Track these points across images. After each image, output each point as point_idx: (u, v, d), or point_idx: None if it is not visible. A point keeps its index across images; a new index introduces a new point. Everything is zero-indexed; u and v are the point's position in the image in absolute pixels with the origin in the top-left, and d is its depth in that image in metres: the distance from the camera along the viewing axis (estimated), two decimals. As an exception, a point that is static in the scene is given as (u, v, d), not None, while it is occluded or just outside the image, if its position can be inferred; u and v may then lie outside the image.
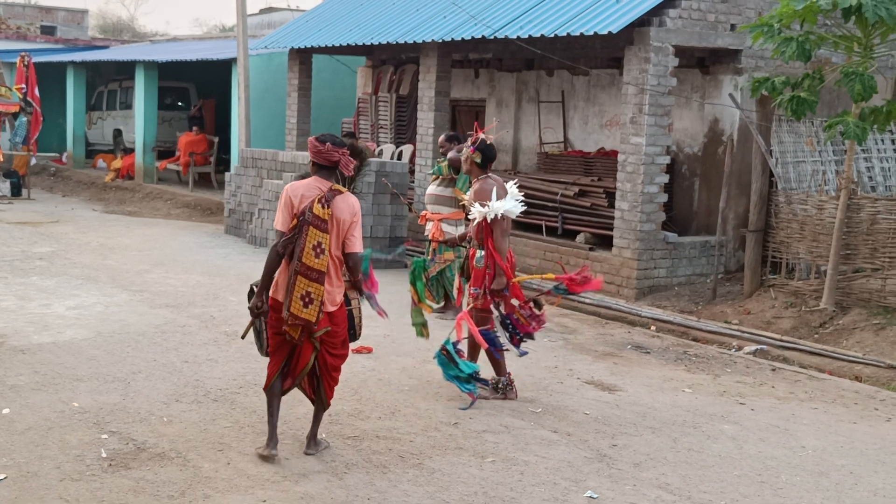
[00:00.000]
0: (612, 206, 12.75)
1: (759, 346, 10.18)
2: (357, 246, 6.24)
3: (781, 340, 10.29)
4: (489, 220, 7.61)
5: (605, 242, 12.88)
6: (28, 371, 7.97)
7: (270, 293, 6.24)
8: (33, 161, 23.29)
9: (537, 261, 13.44)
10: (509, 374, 7.94)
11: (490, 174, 7.91)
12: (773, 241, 12.10)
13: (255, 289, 6.36)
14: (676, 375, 9.04)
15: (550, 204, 13.70)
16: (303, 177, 6.62)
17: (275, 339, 6.29)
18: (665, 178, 12.36)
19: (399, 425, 7.11)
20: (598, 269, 12.63)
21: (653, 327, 11.02)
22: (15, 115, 22.83)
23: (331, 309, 6.23)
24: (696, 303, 12.04)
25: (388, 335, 9.76)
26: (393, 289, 12.31)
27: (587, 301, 11.87)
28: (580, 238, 13.27)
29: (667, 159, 12.41)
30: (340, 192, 6.18)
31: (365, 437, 6.82)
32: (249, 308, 6.38)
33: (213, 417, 7.04)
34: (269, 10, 30.79)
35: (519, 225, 14.11)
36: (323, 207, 6.03)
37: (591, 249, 12.92)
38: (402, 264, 14.04)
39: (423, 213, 10.92)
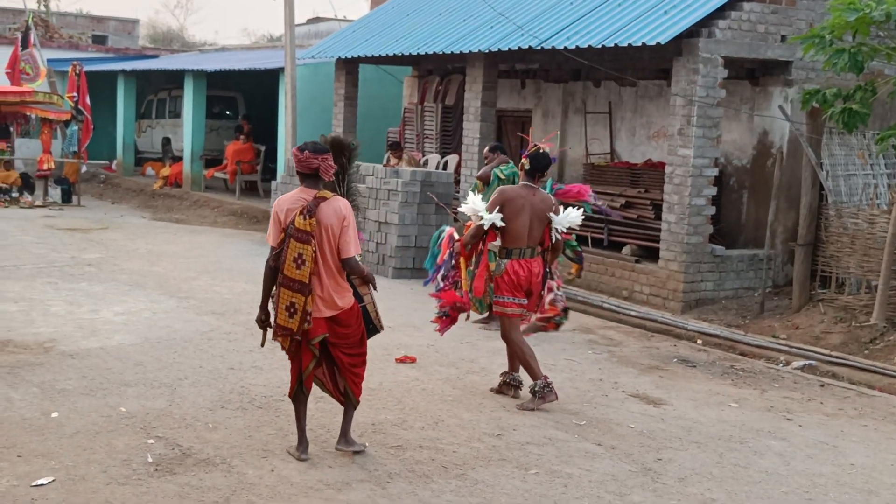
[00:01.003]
0: (658, 218, 12.66)
1: (807, 362, 10.04)
2: (351, 250, 6.26)
3: (830, 356, 10.14)
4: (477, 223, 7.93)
5: (652, 255, 12.78)
6: (76, 375, 8.05)
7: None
8: (84, 168, 23.59)
9: (583, 272, 13.35)
10: (545, 377, 7.92)
11: (532, 185, 7.96)
12: (823, 255, 11.94)
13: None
14: (723, 390, 8.94)
15: (596, 215, 13.60)
16: None
17: (290, 347, 6.39)
18: (713, 191, 12.25)
19: (442, 435, 7.09)
20: (643, 281, 12.57)
21: (699, 341, 10.90)
22: (67, 124, 23.15)
23: (329, 313, 6.28)
24: (744, 317, 11.90)
25: (431, 345, 9.75)
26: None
27: (633, 314, 11.79)
28: (626, 250, 13.19)
29: (715, 171, 12.30)
30: (325, 199, 6.22)
31: (408, 446, 6.81)
32: (255, 321, 6.53)
33: (257, 424, 7.07)
34: (317, 20, 31.03)
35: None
36: (305, 219, 6.09)
37: (636, 262, 12.83)
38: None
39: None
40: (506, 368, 8.27)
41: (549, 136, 8.53)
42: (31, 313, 10.32)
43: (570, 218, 8.07)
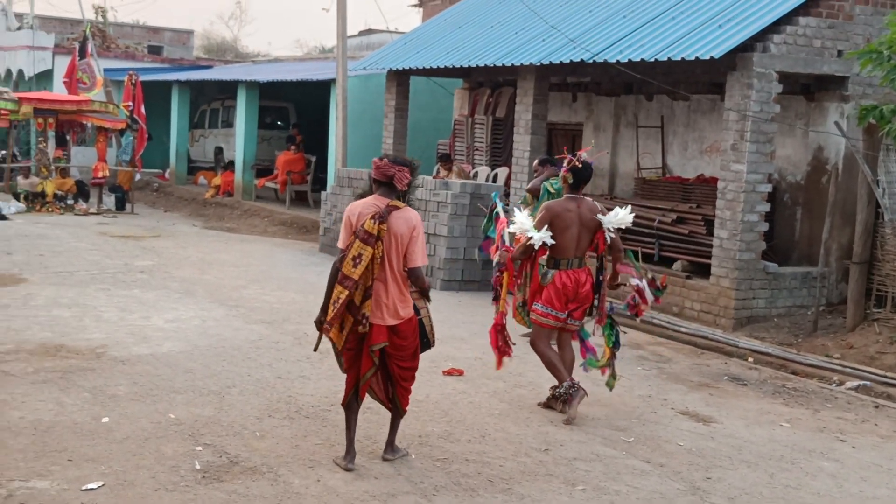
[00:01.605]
0: (710, 233, 12.53)
1: (861, 382, 9.86)
2: (418, 260, 6.40)
3: (885, 376, 9.95)
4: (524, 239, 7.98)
5: (703, 271, 12.65)
6: (127, 381, 8.13)
7: None
8: (137, 176, 23.91)
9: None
10: (571, 378, 7.90)
11: (577, 196, 7.99)
12: (879, 273, 11.75)
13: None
14: (774, 409, 8.81)
15: (647, 230, 13.52)
16: (361, 196, 6.84)
17: (348, 356, 6.45)
18: (766, 207, 12.10)
19: (489, 449, 7.06)
20: (694, 297, 12.43)
21: (750, 359, 10.76)
22: (122, 132, 23.47)
23: (392, 322, 6.35)
24: (796, 335, 11.73)
25: (479, 357, 9.72)
26: (486, 311, 12.28)
27: (682, 330, 11.67)
28: (677, 266, 13.07)
29: (768, 187, 12.16)
30: (398, 208, 6.34)
31: (454, 459, 6.78)
32: (314, 322, 6.58)
33: (304, 434, 7.08)
34: (369, 31, 31.22)
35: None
36: (374, 223, 6.20)
37: (687, 277, 12.70)
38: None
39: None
40: (555, 382, 8.22)
41: (585, 149, 8.50)
42: (83, 319, 10.44)
43: (619, 217, 8.14)
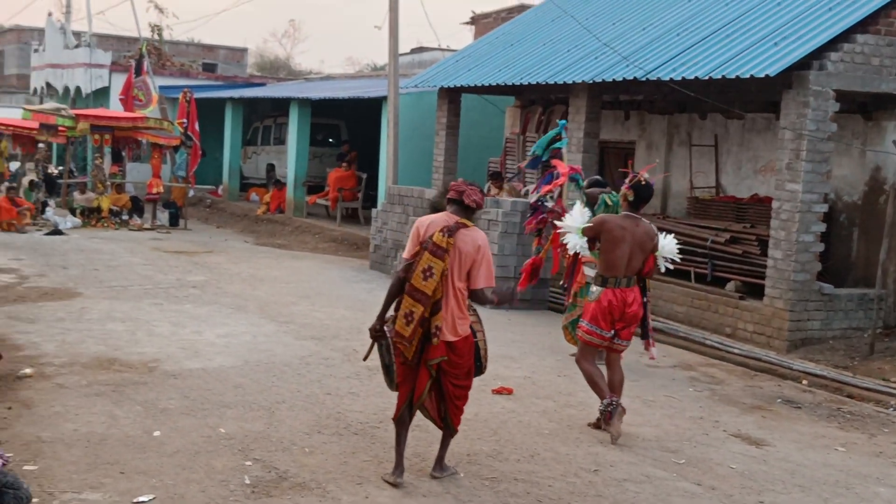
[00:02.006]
0: (764, 254, 12.37)
1: (919, 406, 9.66)
2: (481, 282, 6.41)
3: (944, 401, 9.74)
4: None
5: (756, 291, 12.48)
6: (178, 395, 8.18)
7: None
8: (191, 193, 24.17)
9: (684, 308, 13.14)
10: (611, 395, 7.84)
11: (635, 215, 7.95)
12: (937, 296, 11.51)
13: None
14: (829, 433, 8.65)
15: (700, 250, 13.39)
16: (433, 211, 6.88)
17: (402, 369, 6.45)
18: (822, 227, 11.92)
19: (538, 469, 7.00)
20: (747, 318, 12.27)
21: (804, 381, 10.58)
22: (176, 149, 23.76)
23: (451, 339, 6.36)
24: (852, 358, 11.52)
25: (528, 377, 9.67)
26: (536, 330, 12.25)
27: (735, 351, 11.52)
28: (730, 286, 12.91)
29: (824, 207, 11.98)
30: (466, 226, 6.38)
31: (503, 478, 6.74)
32: (369, 330, 6.60)
33: (353, 450, 7.07)
34: (421, 49, 31.35)
35: (666, 271, 13.81)
36: (443, 236, 6.25)
37: (741, 298, 12.55)
38: (545, 305, 13.94)
39: (569, 255, 10.84)
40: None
41: (649, 167, 8.46)
42: (136, 333, 10.55)
43: (670, 247, 8.15)
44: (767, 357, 11.30)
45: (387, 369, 6.63)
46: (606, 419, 7.78)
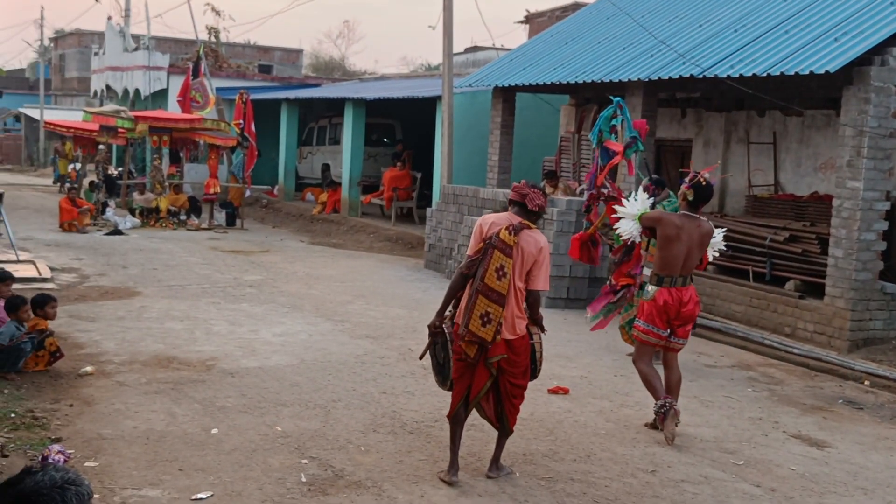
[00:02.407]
0: (824, 252, 12.17)
1: None
2: (540, 284, 6.44)
3: None
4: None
5: (816, 291, 12.29)
6: (236, 394, 8.25)
7: (455, 319, 6.42)
8: (247, 193, 24.39)
9: (742, 307, 12.98)
10: (666, 396, 7.76)
11: (694, 214, 7.88)
12: None
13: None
14: (892, 434, 8.49)
15: (758, 249, 13.22)
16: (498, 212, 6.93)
17: (458, 366, 6.45)
18: (884, 225, 11.71)
19: (594, 469, 6.96)
20: (807, 318, 12.08)
21: (867, 382, 10.40)
22: (233, 150, 23.99)
23: (510, 337, 6.36)
24: (915, 358, 11.30)
25: (584, 377, 9.62)
26: (592, 331, 12.16)
27: (795, 351, 11.36)
28: (789, 285, 12.72)
29: (886, 205, 11.75)
30: (530, 227, 6.41)
31: (559, 478, 6.70)
32: (427, 326, 6.63)
33: (408, 449, 7.08)
34: (475, 48, 31.33)
35: (724, 269, 13.69)
36: (510, 234, 6.27)
37: (800, 297, 12.36)
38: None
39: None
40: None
41: (710, 168, 8.37)
42: (194, 332, 10.67)
43: (717, 239, 8.16)
44: (828, 357, 11.13)
45: (440, 367, 6.63)
46: (660, 420, 7.72)
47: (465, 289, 6.40)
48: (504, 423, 6.58)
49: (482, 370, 6.38)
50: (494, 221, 6.41)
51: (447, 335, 6.48)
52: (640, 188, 9.45)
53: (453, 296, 6.48)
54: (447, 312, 6.55)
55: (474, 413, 6.70)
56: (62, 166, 26.06)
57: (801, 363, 11.10)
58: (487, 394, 6.51)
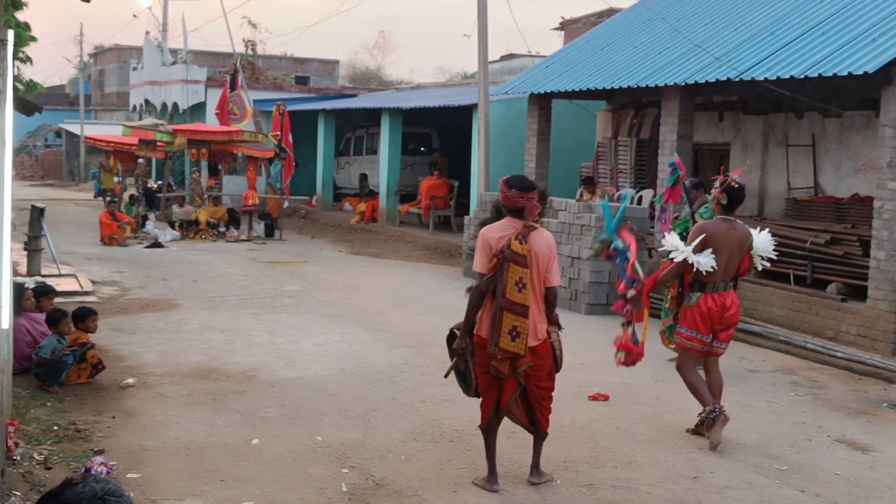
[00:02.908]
0: (866, 255, 12.02)
1: None
2: (556, 280, 6.44)
3: None
4: (672, 259, 7.73)
5: (859, 293, 12.14)
6: (276, 404, 8.29)
7: (475, 332, 6.40)
8: (286, 204, 24.54)
9: (784, 311, 12.85)
10: (714, 401, 7.69)
11: (731, 219, 7.81)
12: None
13: (457, 332, 6.65)
14: (939, 438, 8.36)
15: (799, 252, 13.08)
16: (484, 222, 6.84)
17: (484, 378, 6.44)
18: (926, 226, 11.55)
19: (636, 476, 6.91)
20: (850, 321, 11.93)
21: (912, 385, 10.25)
22: (270, 161, 24.15)
23: (533, 343, 6.34)
24: (962, 360, 11.12)
25: (625, 383, 9.56)
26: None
27: (838, 355, 11.22)
28: (831, 288, 12.58)
29: (928, 206, 11.60)
30: (535, 228, 6.35)
31: (600, 485, 6.66)
32: (454, 349, 6.62)
33: (448, 458, 7.08)
34: (510, 56, 31.31)
35: (765, 273, 13.52)
36: (520, 243, 6.21)
37: (842, 300, 12.21)
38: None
39: (664, 261, 10.70)
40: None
41: (741, 169, 8.26)
42: (234, 342, 10.73)
43: (766, 243, 7.97)
44: (872, 360, 10.98)
45: (462, 376, 6.64)
46: (708, 426, 7.65)
47: (485, 305, 6.36)
48: (538, 427, 6.58)
49: (511, 380, 6.37)
50: (500, 235, 6.30)
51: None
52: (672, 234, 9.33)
53: (475, 314, 6.43)
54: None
55: (511, 421, 6.68)
56: (107, 180, 26.35)
57: (845, 367, 10.97)
58: (517, 401, 6.50)
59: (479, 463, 6.89)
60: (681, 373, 7.97)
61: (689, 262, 7.64)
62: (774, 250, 8.16)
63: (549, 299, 6.45)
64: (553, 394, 6.66)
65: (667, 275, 7.84)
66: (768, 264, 8.17)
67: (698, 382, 7.84)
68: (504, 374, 6.30)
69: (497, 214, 6.73)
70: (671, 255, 7.71)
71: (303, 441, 7.31)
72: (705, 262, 7.63)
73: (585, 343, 11.37)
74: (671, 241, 7.85)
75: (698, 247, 7.65)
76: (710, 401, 7.72)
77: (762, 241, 8.01)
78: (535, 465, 6.62)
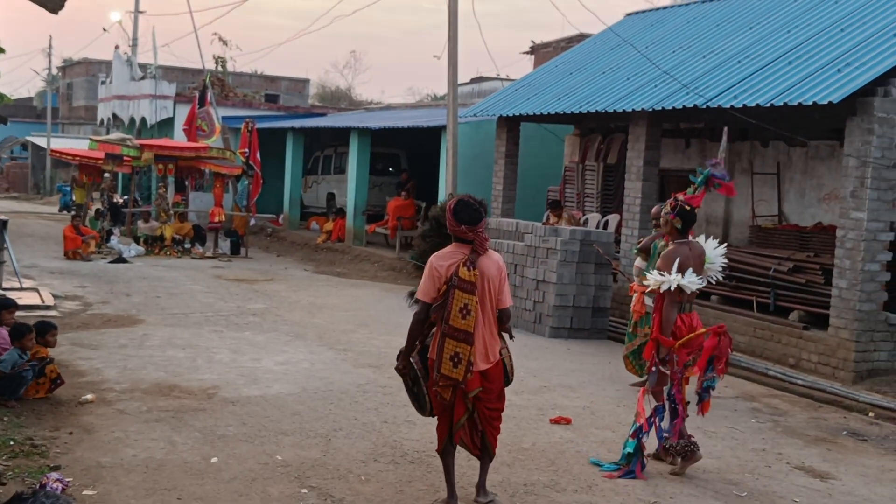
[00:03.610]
0: (828, 283, 12.14)
1: None
2: (507, 301, 6.45)
3: None
4: (661, 290, 7.59)
5: (821, 321, 12.25)
6: (236, 422, 8.22)
7: (429, 354, 6.41)
8: (252, 221, 24.43)
9: (746, 338, 12.93)
10: (689, 436, 7.69)
11: (689, 240, 7.84)
12: None
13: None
14: (897, 466, 8.43)
15: (762, 279, 13.19)
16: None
17: (438, 404, 6.44)
18: (888, 256, 11.68)
19: (596, 500, 6.90)
20: (812, 349, 12.03)
21: (871, 413, 10.33)
22: (238, 178, 24.05)
23: (484, 367, 6.35)
24: (921, 390, 11.23)
25: (587, 406, 9.57)
26: (595, 360, 12.15)
27: (799, 382, 11.30)
28: (793, 316, 12.69)
29: (890, 236, 11.73)
30: (483, 253, 6.35)
31: (561, 509, 6.64)
32: (395, 370, 6.64)
33: (409, 479, 7.04)
34: (480, 79, 31.45)
35: (728, 300, 13.66)
36: (468, 270, 6.21)
37: (804, 328, 12.32)
38: (604, 334, 13.82)
39: (633, 284, 10.76)
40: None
41: (685, 191, 8.23)
42: (196, 360, 10.64)
43: (718, 250, 7.96)
44: (832, 388, 11.07)
45: (415, 396, 6.62)
46: (688, 457, 7.61)
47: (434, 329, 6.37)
48: (486, 447, 6.56)
49: (460, 405, 6.36)
50: (450, 263, 6.27)
51: (416, 370, 6.48)
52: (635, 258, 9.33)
53: (415, 339, 6.45)
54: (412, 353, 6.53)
55: (459, 446, 6.66)
56: (80, 195, 26.03)
57: (806, 394, 11.05)
58: (463, 424, 6.49)
59: (439, 484, 6.85)
60: (656, 398, 7.91)
61: (681, 286, 7.57)
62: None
63: (503, 320, 6.46)
64: (503, 414, 6.64)
65: (667, 313, 7.63)
66: (720, 276, 8.19)
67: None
68: (447, 399, 6.31)
69: (437, 228, 6.74)
70: (664, 287, 7.61)
71: (262, 460, 7.25)
72: (695, 281, 7.63)
73: (548, 366, 11.38)
74: (654, 277, 7.75)
75: (682, 270, 7.63)
76: (686, 434, 7.70)
77: (713, 251, 7.98)
78: (482, 485, 6.61)
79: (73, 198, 26.24)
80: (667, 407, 7.71)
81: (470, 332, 6.20)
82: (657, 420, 7.69)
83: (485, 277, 6.28)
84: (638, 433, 7.56)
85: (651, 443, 8.11)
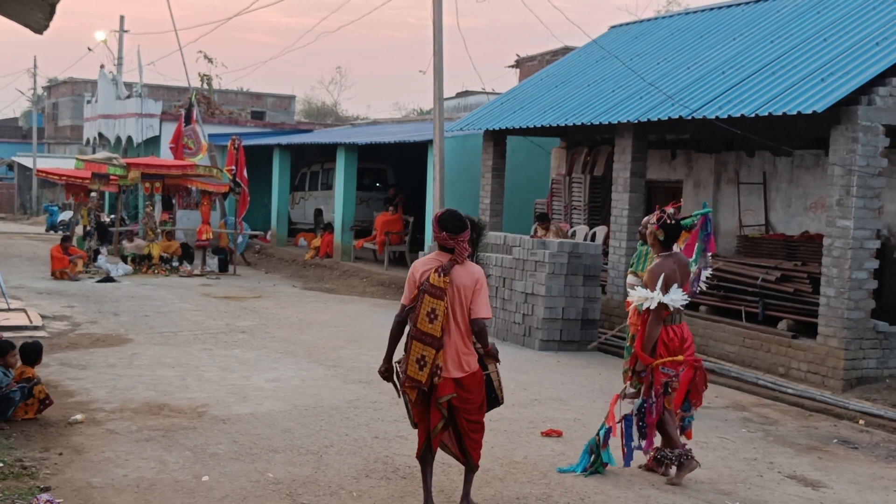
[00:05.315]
0: (816, 292, 12.18)
1: (981, 446, 9.40)
2: (482, 311, 6.44)
3: None
4: (646, 308, 7.66)
5: (809, 330, 12.29)
6: (227, 440, 8.19)
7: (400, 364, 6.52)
8: (240, 238, 24.37)
9: (736, 348, 12.96)
10: (683, 445, 7.70)
11: (673, 252, 7.87)
12: None
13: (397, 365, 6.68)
14: (888, 474, 8.45)
15: (750, 289, 13.22)
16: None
17: (416, 410, 6.55)
18: (875, 264, 11.73)
19: (589, 512, 6.89)
20: (801, 358, 12.06)
21: (861, 421, 10.36)
22: (225, 196, 24.01)
23: (458, 375, 6.41)
24: (910, 397, 11.26)
25: (578, 419, 9.57)
26: (586, 372, 12.15)
27: (789, 391, 11.32)
28: (782, 325, 12.72)
29: (877, 244, 11.79)
30: (460, 263, 6.42)
31: (554, 522, 6.64)
32: (378, 372, 6.72)
33: (401, 495, 7.03)
34: (466, 93, 31.52)
35: (717, 310, 13.68)
36: (439, 276, 6.30)
37: (793, 337, 12.35)
38: (597, 348, 13.82)
39: (628, 300, 10.75)
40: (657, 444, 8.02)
41: (671, 205, 8.25)
42: (186, 378, 10.61)
43: (666, 299, 7.88)
44: (822, 397, 11.10)
45: (410, 409, 6.66)
46: (682, 467, 7.62)
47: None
48: (468, 458, 6.61)
49: (434, 411, 6.45)
50: (425, 269, 6.41)
51: (398, 373, 6.57)
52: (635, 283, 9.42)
53: (395, 342, 6.57)
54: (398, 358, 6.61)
55: (445, 452, 6.69)
56: (85, 218, 25.64)
57: (796, 403, 11.07)
58: (449, 432, 6.55)
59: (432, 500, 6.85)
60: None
61: (665, 303, 7.60)
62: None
63: (475, 331, 6.47)
64: (484, 427, 6.67)
65: (651, 329, 7.65)
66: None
67: (670, 423, 7.79)
68: (413, 401, 6.43)
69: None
70: (645, 306, 7.63)
71: (254, 478, 7.22)
72: (678, 298, 7.65)
73: (539, 379, 11.38)
74: (639, 293, 7.77)
75: (664, 288, 7.64)
76: (679, 444, 7.71)
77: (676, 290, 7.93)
78: (466, 495, 6.65)
79: (79, 220, 25.95)
80: (634, 421, 7.74)
81: (437, 337, 6.29)
82: (623, 426, 7.71)
83: (456, 286, 6.34)
84: (607, 436, 7.66)
85: (640, 456, 8.11)
